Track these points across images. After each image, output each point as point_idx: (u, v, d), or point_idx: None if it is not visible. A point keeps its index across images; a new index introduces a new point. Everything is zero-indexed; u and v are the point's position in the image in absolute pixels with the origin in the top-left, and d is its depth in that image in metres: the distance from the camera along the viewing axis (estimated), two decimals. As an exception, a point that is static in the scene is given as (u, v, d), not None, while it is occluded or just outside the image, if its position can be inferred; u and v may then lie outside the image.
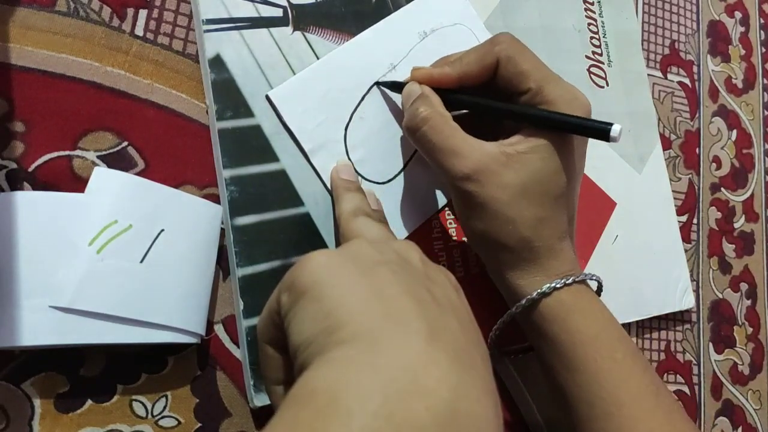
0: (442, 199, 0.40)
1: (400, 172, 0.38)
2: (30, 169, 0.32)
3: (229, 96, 0.35)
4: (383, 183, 0.38)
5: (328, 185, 0.36)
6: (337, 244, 0.36)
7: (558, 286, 0.34)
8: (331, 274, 0.24)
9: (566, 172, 0.34)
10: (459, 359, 0.22)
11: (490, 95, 0.35)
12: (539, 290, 0.34)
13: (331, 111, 0.37)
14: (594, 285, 0.37)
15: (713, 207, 0.54)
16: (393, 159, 0.38)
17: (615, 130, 0.31)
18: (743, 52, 0.59)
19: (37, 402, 0.30)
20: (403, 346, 0.21)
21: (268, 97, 0.35)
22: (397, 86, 0.37)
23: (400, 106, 0.37)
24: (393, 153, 0.38)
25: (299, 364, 0.23)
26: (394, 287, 0.24)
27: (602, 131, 0.31)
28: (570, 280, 0.34)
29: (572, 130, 0.33)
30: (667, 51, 0.54)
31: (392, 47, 0.39)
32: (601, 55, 0.48)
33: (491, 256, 0.35)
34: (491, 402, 0.22)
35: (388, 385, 0.20)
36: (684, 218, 0.52)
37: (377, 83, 0.38)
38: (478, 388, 0.22)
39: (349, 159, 0.37)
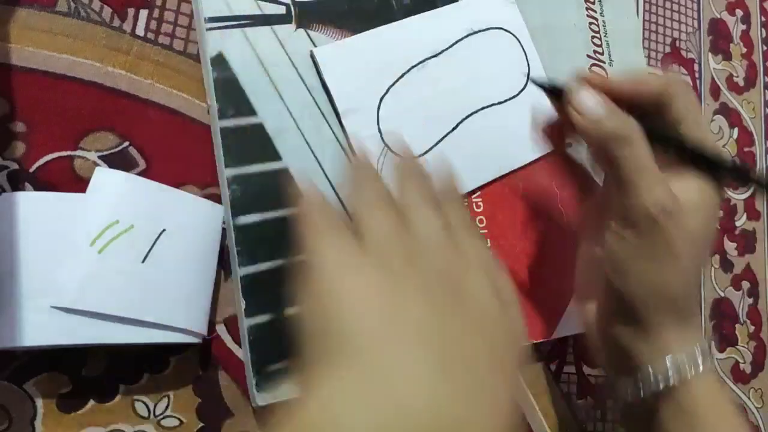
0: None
1: (423, 155, 0.39)
2: (31, 170, 0.32)
3: (232, 94, 0.34)
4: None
5: (354, 147, 0.37)
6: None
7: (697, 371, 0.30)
8: (349, 277, 0.24)
9: (714, 229, 0.32)
10: (468, 392, 0.22)
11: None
12: (676, 375, 0.30)
13: (369, 80, 0.38)
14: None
15: (715, 205, 0.54)
16: (418, 140, 0.39)
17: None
18: (744, 49, 0.59)
19: (39, 402, 0.30)
20: (409, 377, 0.21)
21: (312, 54, 0.37)
22: (557, 92, 0.34)
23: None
24: (419, 135, 0.39)
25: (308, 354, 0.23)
26: (418, 307, 0.23)
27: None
28: (707, 365, 0.31)
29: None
30: (668, 49, 0.54)
31: (438, 35, 0.40)
32: (602, 54, 0.48)
33: (638, 315, 0.31)
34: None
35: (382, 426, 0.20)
36: (685, 217, 0.52)
37: (533, 80, 0.37)
38: (486, 415, 0.22)
39: (378, 128, 0.38)
